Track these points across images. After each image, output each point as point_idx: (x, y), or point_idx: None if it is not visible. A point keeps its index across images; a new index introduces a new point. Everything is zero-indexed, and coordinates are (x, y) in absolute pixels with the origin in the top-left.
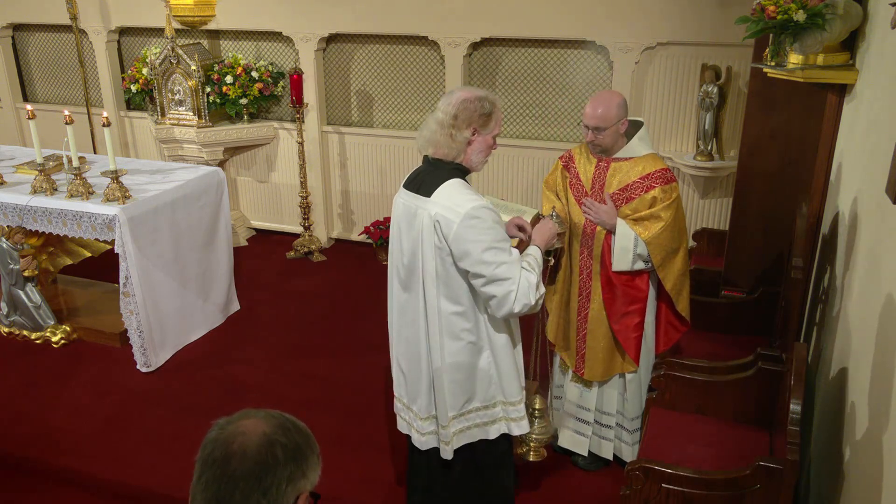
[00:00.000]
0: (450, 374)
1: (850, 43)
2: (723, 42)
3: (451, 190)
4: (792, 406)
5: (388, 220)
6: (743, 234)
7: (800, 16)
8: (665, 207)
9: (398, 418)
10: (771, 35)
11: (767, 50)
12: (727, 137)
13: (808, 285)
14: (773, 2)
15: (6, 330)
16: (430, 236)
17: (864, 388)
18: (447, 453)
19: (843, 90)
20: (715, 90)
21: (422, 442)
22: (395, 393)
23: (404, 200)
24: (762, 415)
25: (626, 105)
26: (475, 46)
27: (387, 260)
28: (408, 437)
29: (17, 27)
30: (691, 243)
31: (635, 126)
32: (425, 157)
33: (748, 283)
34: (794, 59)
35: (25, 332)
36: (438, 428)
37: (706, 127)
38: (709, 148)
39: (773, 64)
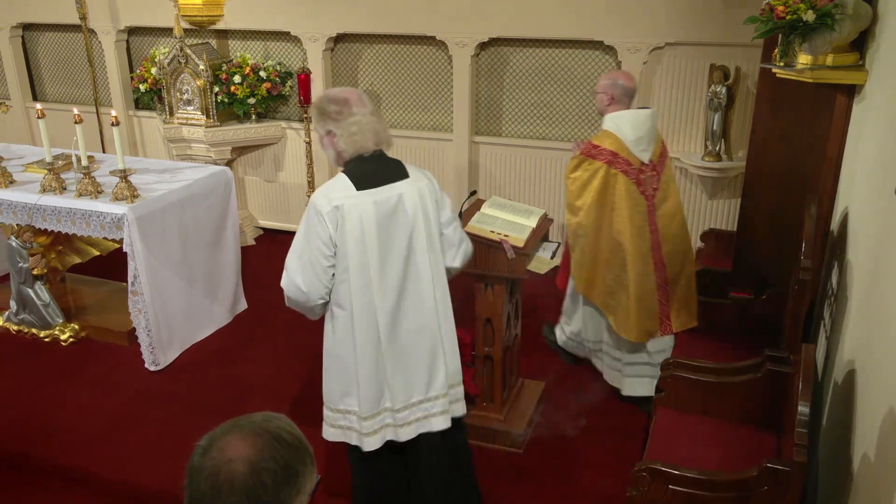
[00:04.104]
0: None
1: (860, 43)
2: (731, 42)
3: (414, 167)
4: (800, 408)
5: None
6: (751, 235)
7: (809, 16)
8: (569, 168)
9: (390, 430)
10: (780, 35)
11: (776, 50)
12: (735, 138)
13: (816, 286)
14: (783, 2)
15: (15, 328)
16: (425, 207)
17: (873, 391)
18: (460, 409)
19: (852, 91)
20: (723, 90)
21: (444, 420)
22: (388, 405)
23: (376, 199)
24: (769, 416)
25: (618, 86)
26: (483, 46)
27: None
28: (396, 446)
29: (27, 27)
30: (699, 244)
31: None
32: (374, 154)
33: (756, 284)
34: (803, 59)
35: (34, 330)
36: (448, 391)
37: (714, 127)
38: (717, 148)
39: (781, 64)
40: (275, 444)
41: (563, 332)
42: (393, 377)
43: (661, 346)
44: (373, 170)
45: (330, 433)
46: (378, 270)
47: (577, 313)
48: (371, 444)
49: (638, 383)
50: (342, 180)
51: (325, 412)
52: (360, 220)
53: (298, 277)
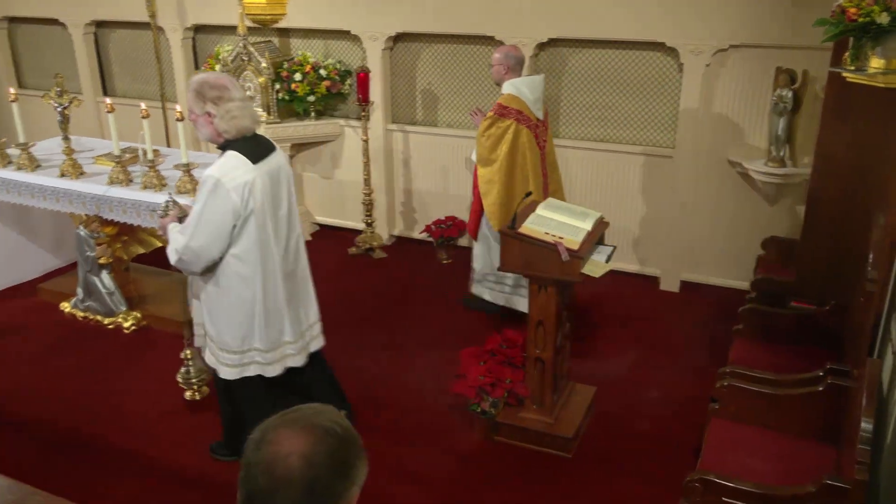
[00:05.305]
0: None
1: None
2: (799, 45)
3: None
4: (863, 424)
5: (449, 218)
6: (814, 244)
7: (883, 18)
8: (482, 127)
9: (291, 359)
10: (851, 38)
11: (847, 53)
12: (801, 143)
13: (883, 299)
14: (855, 4)
15: (81, 314)
16: (289, 171)
17: None
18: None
19: None
20: (789, 94)
21: (319, 341)
22: (288, 338)
23: (267, 170)
24: (829, 431)
25: (511, 57)
26: (541, 47)
27: (447, 259)
28: (276, 385)
29: (100, 24)
30: (759, 251)
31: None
32: (253, 133)
33: (818, 294)
34: (876, 63)
35: (99, 317)
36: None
37: (779, 132)
38: (781, 154)
39: (852, 68)
40: (328, 438)
41: (481, 284)
42: (290, 315)
43: None
44: (257, 146)
45: (231, 372)
46: (274, 228)
47: (490, 253)
48: (274, 371)
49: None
50: (238, 158)
51: (224, 355)
52: (262, 189)
53: (195, 242)
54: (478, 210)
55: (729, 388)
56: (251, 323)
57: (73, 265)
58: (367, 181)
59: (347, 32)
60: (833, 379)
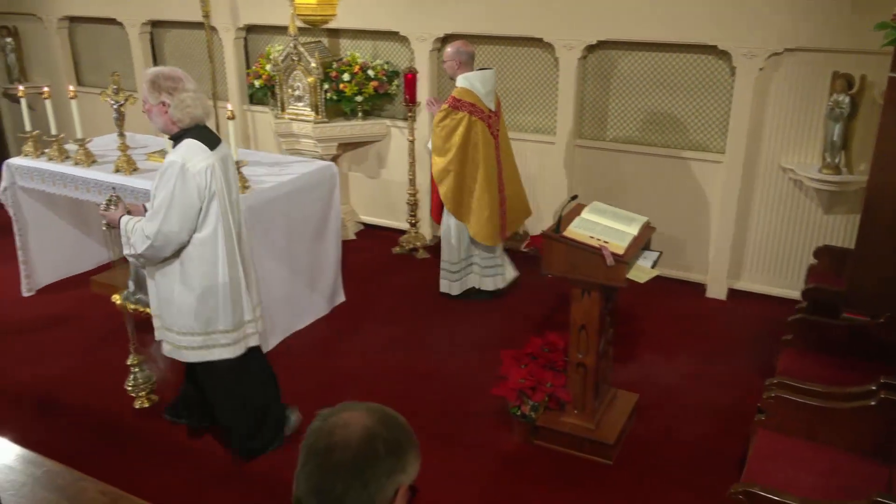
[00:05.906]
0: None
1: None
2: (857, 49)
3: None
4: None
5: None
6: (869, 254)
7: None
8: (437, 119)
9: (251, 338)
10: None
11: None
12: (857, 150)
13: None
14: None
15: (132, 307)
16: (234, 161)
17: None
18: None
19: None
20: (846, 100)
21: (263, 322)
22: (248, 317)
23: (221, 156)
24: (880, 446)
25: (462, 52)
26: (590, 49)
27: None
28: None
29: (156, 23)
30: (812, 260)
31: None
32: (203, 125)
33: (872, 305)
34: None
35: (148, 310)
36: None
37: (834, 138)
38: (836, 161)
39: None
40: (389, 420)
41: (445, 280)
42: (247, 293)
43: (500, 250)
44: (211, 133)
45: (194, 355)
46: (229, 210)
47: (453, 241)
48: (237, 350)
49: (490, 281)
50: (197, 145)
51: (184, 339)
52: (221, 174)
53: (168, 227)
54: (438, 197)
55: (776, 400)
56: (216, 304)
57: (125, 259)
58: (412, 181)
59: (396, 33)
60: (886, 393)
